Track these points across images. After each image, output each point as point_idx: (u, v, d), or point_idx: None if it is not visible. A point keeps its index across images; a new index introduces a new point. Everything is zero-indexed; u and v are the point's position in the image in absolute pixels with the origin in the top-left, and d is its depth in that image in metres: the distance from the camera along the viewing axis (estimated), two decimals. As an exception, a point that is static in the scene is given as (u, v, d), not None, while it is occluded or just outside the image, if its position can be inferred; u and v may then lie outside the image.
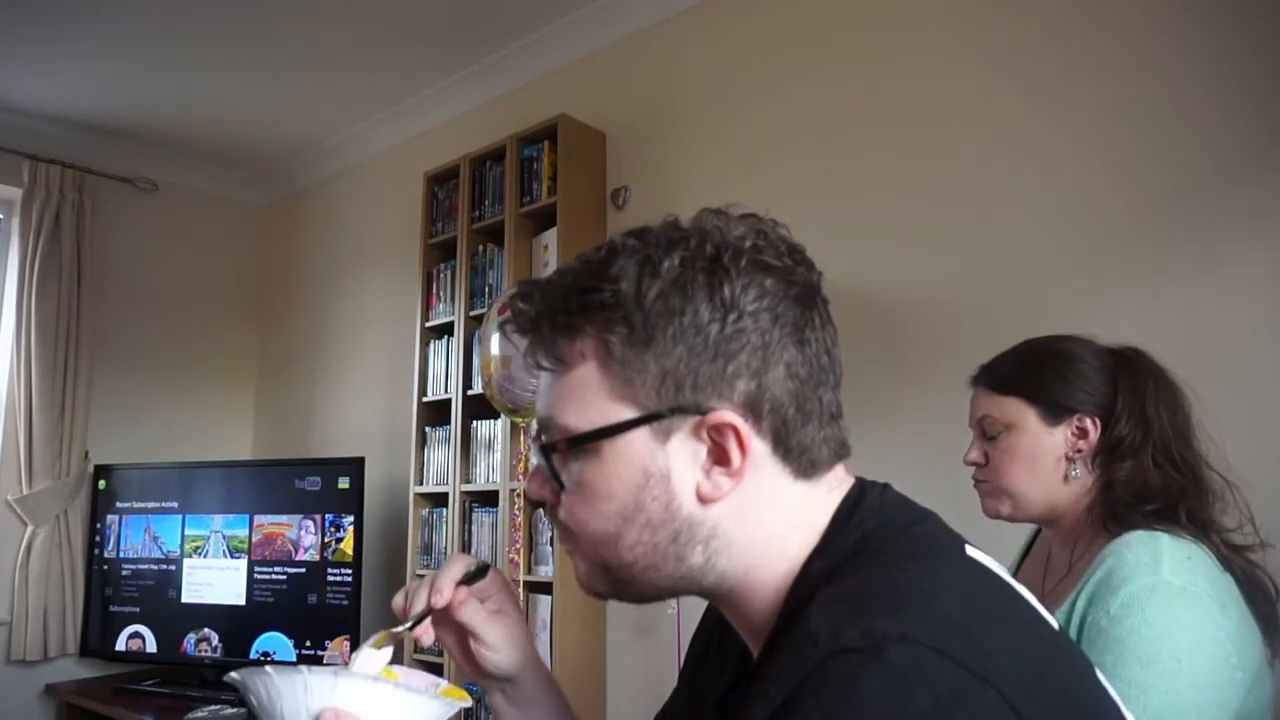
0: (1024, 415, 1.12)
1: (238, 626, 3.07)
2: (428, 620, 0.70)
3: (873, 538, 0.57)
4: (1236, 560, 1.00)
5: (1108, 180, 1.79)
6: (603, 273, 0.58)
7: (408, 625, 0.69)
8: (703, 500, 0.57)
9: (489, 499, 2.71)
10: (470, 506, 2.77)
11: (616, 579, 0.61)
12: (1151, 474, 1.04)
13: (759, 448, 0.57)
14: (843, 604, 0.49)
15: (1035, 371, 1.13)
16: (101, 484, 3.42)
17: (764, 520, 0.58)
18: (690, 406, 0.56)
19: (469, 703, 0.66)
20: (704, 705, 0.69)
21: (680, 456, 0.57)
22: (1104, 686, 0.55)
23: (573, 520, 0.60)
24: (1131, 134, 1.76)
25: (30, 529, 3.31)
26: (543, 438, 0.61)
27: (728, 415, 0.56)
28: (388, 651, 0.67)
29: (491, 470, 2.71)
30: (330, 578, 2.97)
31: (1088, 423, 1.08)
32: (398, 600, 0.72)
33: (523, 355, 0.63)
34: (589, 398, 0.58)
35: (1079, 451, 1.09)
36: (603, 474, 0.58)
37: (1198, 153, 1.68)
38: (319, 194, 4.00)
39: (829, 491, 0.60)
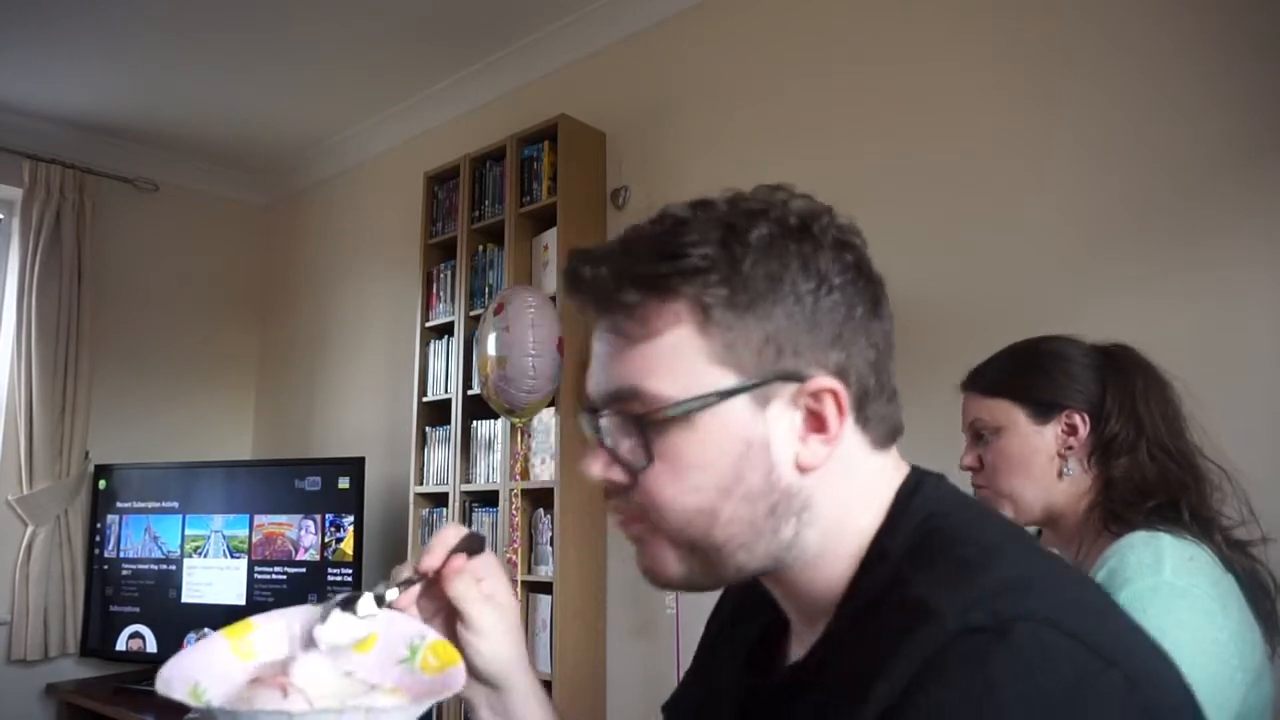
0: (1013, 416, 1.12)
1: (238, 626, 3.07)
2: (415, 589, 0.61)
3: (943, 521, 0.56)
4: (1238, 558, 1.00)
5: (1105, 181, 1.79)
6: (682, 237, 0.55)
7: (389, 588, 0.60)
8: (800, 469, 0.56)
9: (489, 499, 2.71)
10: (470, 506, 2.77)
11: (704, 561, 0.57)
12: (1148, 468, 1.05)
13: (848, 417, 0.56)
14: (962, 584, 0.48)
15: (1022, 372, 1.14)
16: (101, 484, 3.42)
17: (843, 493, 0.57)
18: (792, 373, 0.55)
19: (460, 667, 0.55)
20: (721, 691, 0.67)
21: (779, 424, 0.55)
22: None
23: (658, 498, 0.56)
24: (1129, 134, 1.76)
25: (30, 529, 3.31)
26: (616, 410, 0.57)
27: (828, 380, 0.55)
28: (367, 622, 0.58)
29: (491, 470, 2.71)
30: (330, 578, 2.97)
31: (1076, 419, 1.09)
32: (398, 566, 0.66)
33: (593, 320, 0.58)
34: (685, 363, 0.55)
35: (1070, 449, 1.09)
36: (699, 444, 0.55)
37: (1196, 153, 1.68)
38: (319, 194, 4.00)
39: (895, 469, 0.60)
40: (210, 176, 4.03)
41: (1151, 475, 1.04)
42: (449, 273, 2.98)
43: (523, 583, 2.51)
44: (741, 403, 0.55)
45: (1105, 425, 1.08)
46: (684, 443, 0.55)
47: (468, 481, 2.76)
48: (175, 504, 3.29)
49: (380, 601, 0.59)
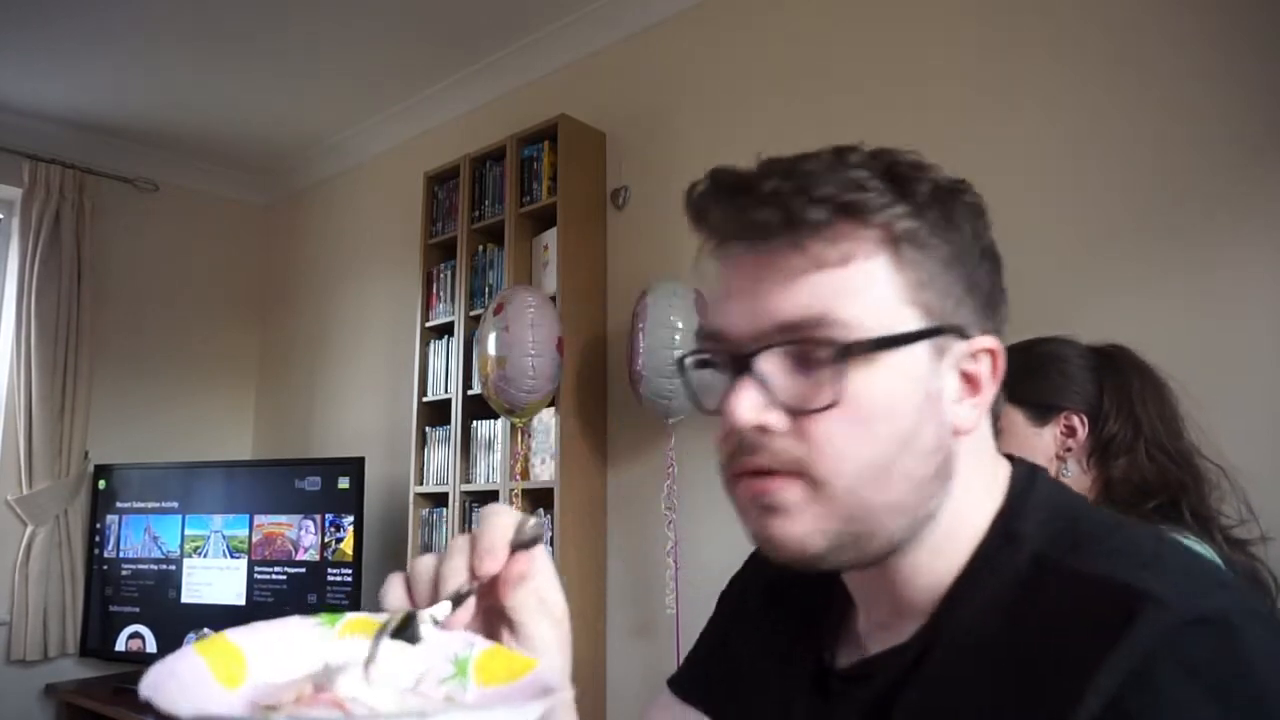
0: (1011, 418, 1.12)
1: (238, 626, 3.07)
2: (471, 602, 0.46)
3: (1080, 511, 0.53)
4: (1238, 557, 1.01)
5: (1105, 181, 1.79)
6: (857, 170, 0.51)
7: (442, 607, 0.45)
8: (956, 432, 0.52)
9: (489, 499, 2.71)
10: (470, 506, 2.77)
11: (857, 532, 0.50)
12: (1147, 468, 1.05)
13: (995, 384, 0.54)
14: (1162, 571, 0.45)
15: (1019, 374, 1.14)
16: (101, 484, 3.42)
17: (972, 469, 0.53)
18: (962, 327, 0.52)
19: (541, 669, 0.42)
20: (758, 686, 0.63)
21: (949, 379, 0.52)
22: None
23: (832, 446, 0.49)
24: (1129, 135, 1.76)
25: (30, 529, 3.31)
26: (794, 339, 0.50)
27: (989, 340, 0.53)
28: (419, 647, 0.43)
29: (491, 470, 2.71)
30: (330, 578, 2.97)
31: (1075, 420, 1.09)
32: (422, 568, 0.48)
33: (762, 239, 0.51)
34: (877, 297, 0.50)
35: (1069, 450, 1.09)
36: (886, 387, 0.49)
37: (1195, 153, 1.68)
38: (319, 194, 4.00)
39: (1000, 453, 0.56)
40: (210, 176, 4.03)
41: (1150, 475, 1.04)
42: (449, 273, 2.98)
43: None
44: (924, 349, 0.51)
45: (1103, 426, 1.08)
46: (871, 383, 0.49)
47: (468, 481, 2.76)
48: (175, 504, 3.29)
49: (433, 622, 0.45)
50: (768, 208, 0.51)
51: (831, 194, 0.50)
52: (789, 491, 0.50)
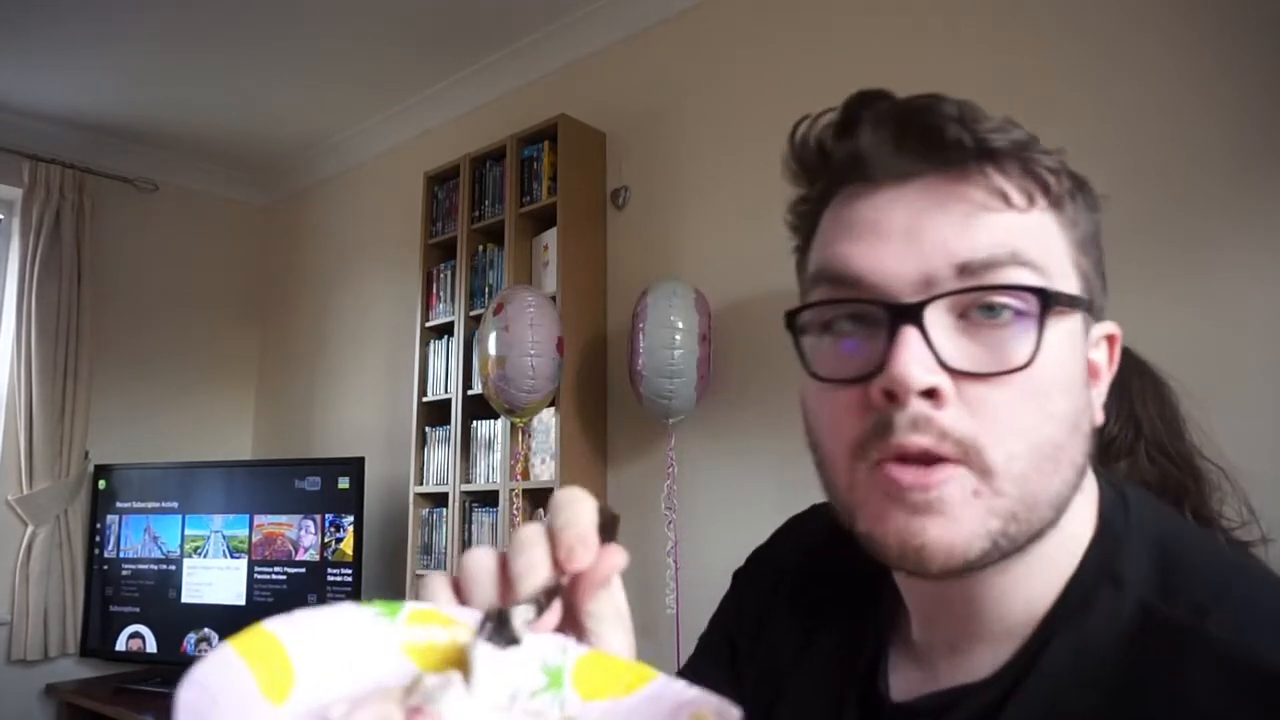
0: None
1: (238, 627, 2.95)
2: (558, 603, 0.35)
3: (1184, 547, 0.46)
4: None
5: (1102, 183, 1.78)
6: (1004, 120, 0.45)
7: (525, 609, 0.33)
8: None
9: (489, 499, 2.71)
10: (470, 506, 2.77)
11: (1018, 531, 0.42)
12: (1148, 471, 1.04)
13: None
14: None
15: None
16: (101, 484, 3.42)
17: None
18: (1100, 307, 0.47)
19: (666, 678, 0.32)
20: (801, 708, 0.55)
21: (1084, 361, 0.46)
22: None
23: (1008, 422, 0.41)
24: (1126, 137, 1.76)
25: (30, 529, 3.31)
26: (989, 285, 0.42)
27: (1114, 326, 0.48)
28: (515, 651, 0.32)
29: (491, 470, 2.71)
30: (330, 578, 2.97)
31: None
32: (478, 566, 0.35)
33: (961, 164, 0.44)
34: (1055, 250, 0.44)
35: None
36: (1062, 355, 0.43)
37: (1194, 155, 1.68)
38: (319, 194, 4.00)
39: None
40: (210, 176, 4.03)
41: (1151, 478, 1.04)
42: (449, 273, 2.98)
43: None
44: (1079, 321, 0.45)
45: (1103, 427, 1.07)
46: (1057, 347, 0.42)
47: (468, 481, 2.76)
48: (175, 504, 3.29)
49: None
50: (957, 128, 0.43)
51: (1017, 126, 0.44)
52: (956, 483, 0.41)
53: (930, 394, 0.41)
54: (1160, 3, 1.75)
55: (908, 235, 0.43)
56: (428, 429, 2.94)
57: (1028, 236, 0.43)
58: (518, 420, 2.49)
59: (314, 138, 3.77)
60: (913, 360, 0.41)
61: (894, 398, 0.41)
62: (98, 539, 3.38)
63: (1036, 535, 0.43)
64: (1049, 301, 0.41)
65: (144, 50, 3.00)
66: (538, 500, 2.58)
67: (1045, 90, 1.89)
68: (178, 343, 3.89)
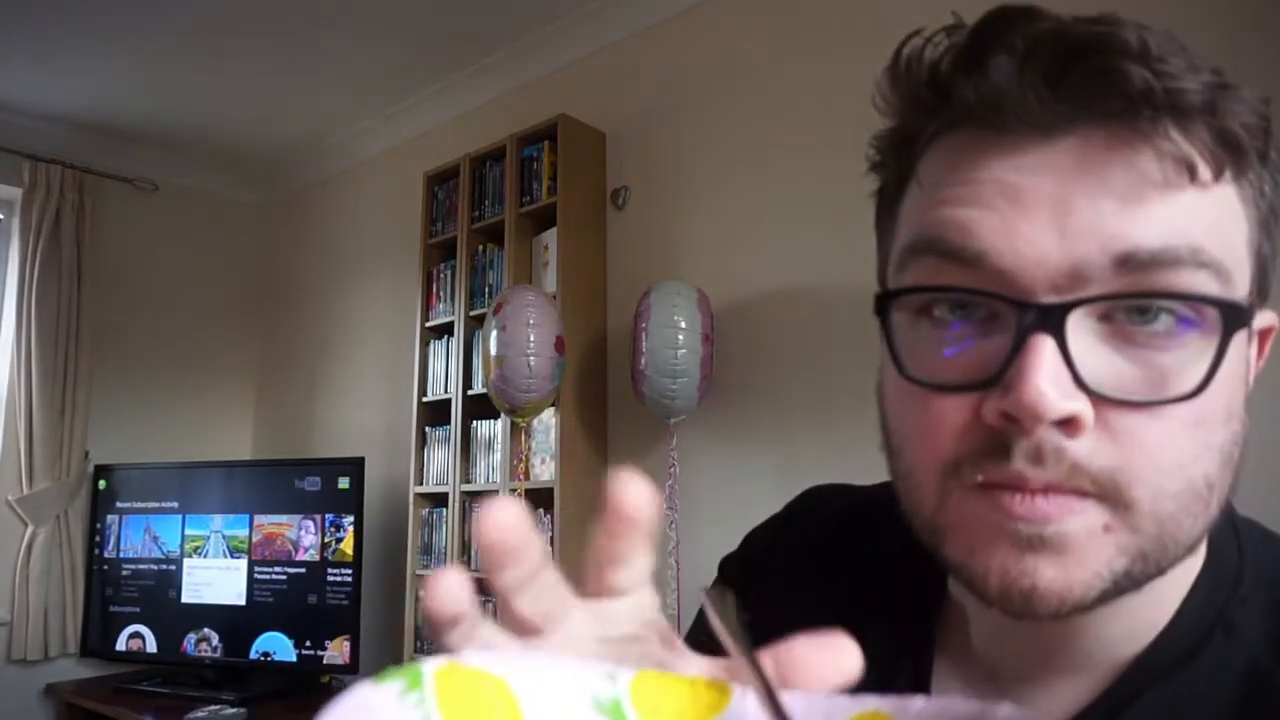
0: None
1: (238, 626, 3.07)
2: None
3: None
4: None
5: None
6: (1189, 58, 0.34)
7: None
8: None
9: (489, 499, 2.71)
10: (470, 507, 2.77)
11: (1145, 571, 0.35)
12: None
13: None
14: None
15: None
16: (101, 484, 3.42)
17: None
18: (1267, 295, 0.37)
19: (742, 691, 0.25)
20: None
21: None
22: None
23: (1158, 457, 0.33)
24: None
25: (30, 529, 3.31)
26: (1153, 289, 0.33)
27: (1274, 317, 0.39)
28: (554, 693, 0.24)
29: (491, 470, 2.71)
30: (330, 578, 2.97)
31: None
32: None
33: (1135, 119, 0.33)
34: (1234, 244, 0.34)
35: None
36: (1232, 376, 0.34)
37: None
38: (319, 194, 4.00)
39: None
40: (210, 176, 4.03)
41: None
42: (449, 273, 2.98)
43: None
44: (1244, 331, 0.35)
45: None
46: (1225, 371, 0.33)
47: (468, 481, 2.76)
48: (175, 504, 3.29)
49: None
50: (1141, 68, 0.32)
51: (1206, 65, 0.33)
52: (1084, 518, 0.33)
53: (1065, 422, 0.32)
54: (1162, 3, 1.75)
55: (1055, 210, 0.33)
56: (428, 429, 2.94)
57: (1210, 224, 0.33)
58: (519, 420, 2.49)
59: (314, 138, 3.77)
60: (1048, 382, 0.31)
61: (1016, 423, 0.33)
62: (98, 539, 3.38)
63: (1161, 574, 0.36)
64: (1234, 318, 0.32)
65: (144, 50, 3.00)
66: (538, 500, 2.58)
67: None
68: (178, 343, 3.89)
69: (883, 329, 0.38)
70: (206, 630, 3.12)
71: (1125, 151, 0.33)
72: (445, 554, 2.76)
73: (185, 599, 3.18)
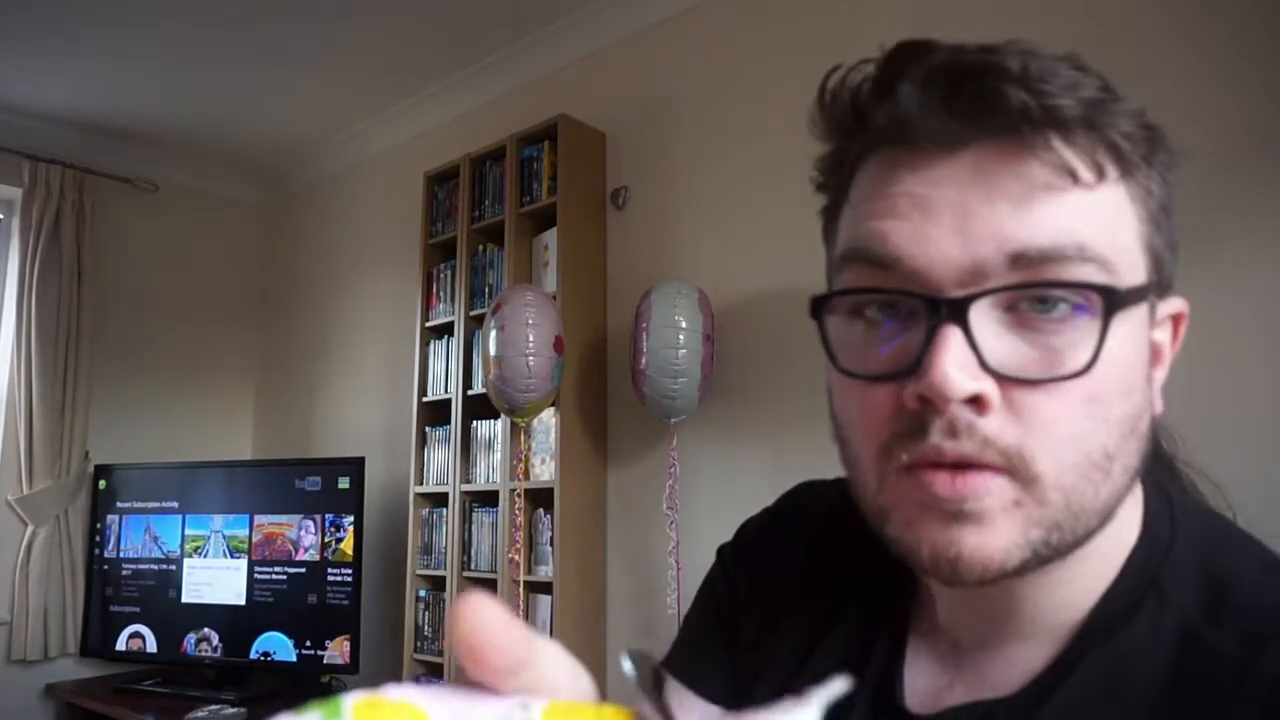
0: None
1: (238, 626, 3.07)
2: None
3: (1235, 563, 0.43)
4: None
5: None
6: (1073, 69, 0.40)
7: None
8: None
9: (489, 499, 2.71)
10: (470, 506, 2.77)
11: (1061, 540, 0.39)
12: None
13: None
14: None
15: None
16: (101, 484, 3.42)
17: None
18: (1169, 282, 0.43)
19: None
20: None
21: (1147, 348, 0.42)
22: None
23: (1057, 431, 0.37)
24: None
25: (30, 529, 3.31)
26: (1040, 280, 0.38)
27: (1182, 303, 0.44)
28: None
29: (491, 470, 2.71)
30: (330, 578, 2.97)
31: None
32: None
33: (1023, 132, 0.38)
34: (1124, 232, 0.40)
35: None
36: (1122, 354, 0.39)
37: (1193, 148, 1.68)
38: (319, 194, 4.00)
39: None
40: (210, 176, 4.03)
41: None
42: (449, 273, 2.98)
43: (523, 583, 2.51)
44: (1145, 307, 0.41)
45: None
46: (1118, 347, 0.38)
47: (468, 481, 2.77)
48: (175, 504, 3.29)
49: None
50: (1019, 90, 0.37)
51: (1089, 77, 0.38)
52: (995, 493, 0.38)
53: (973, 401, 0.37)
54: (1161, 4, 1.75)
55: (957, 215, 0.38)
56: (428, 429, 2.94)
57: (1095, 221, 0.38)
58: (519, 420, 2.49)
59: (314, 138, 3.77)
60: (953, 364, 0.36)
61: (930, 404, 0.37)
62: (98, 539, 3.38)
63: (1080, 543, 0.40)
64: (1115, 302, 0.37)
65: (144, 50, 3.00)
66: (538, 500, 2.58)
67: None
68: (178, 343, 3.89)
69: (819, 329, 0.43)
70: (207, 630, 3.12)
71: (1015, 162, 0.38)
72: (445, 554, 2.77)
73: (185, 599, 3.18)
